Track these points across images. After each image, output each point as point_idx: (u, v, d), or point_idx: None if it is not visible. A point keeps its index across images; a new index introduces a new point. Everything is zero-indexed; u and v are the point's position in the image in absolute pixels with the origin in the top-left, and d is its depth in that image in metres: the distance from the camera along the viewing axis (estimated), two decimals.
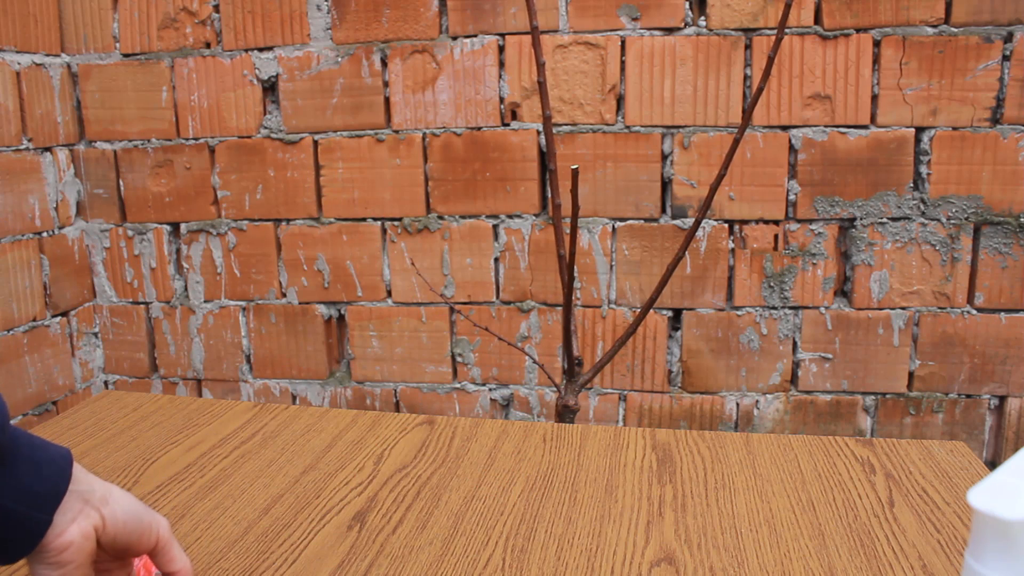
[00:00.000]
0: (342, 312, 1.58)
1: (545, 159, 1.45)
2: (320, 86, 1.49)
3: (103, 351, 1.68)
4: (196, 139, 1.55)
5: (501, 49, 1.43)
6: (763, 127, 1.38)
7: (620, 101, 1.42)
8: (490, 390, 1.55)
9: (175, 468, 0.84)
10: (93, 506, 0.50)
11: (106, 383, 1.69)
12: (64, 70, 1.55)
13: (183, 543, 0.69)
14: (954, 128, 1.34)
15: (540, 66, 1.17)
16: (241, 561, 0.67)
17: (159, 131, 1.56)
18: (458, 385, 1.56)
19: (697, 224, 1.23)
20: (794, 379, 1.46)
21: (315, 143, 1.51)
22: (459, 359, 1.55)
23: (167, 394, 1.29)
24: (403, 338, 1.56)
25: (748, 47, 1.36)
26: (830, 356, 1.44)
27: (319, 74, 1.49)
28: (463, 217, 1.50)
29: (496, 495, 0.77)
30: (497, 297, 1.52)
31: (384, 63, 1.47)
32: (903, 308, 1.40)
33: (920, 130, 1.35)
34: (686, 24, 1.37)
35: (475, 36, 1.43)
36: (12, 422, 0.51)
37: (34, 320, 1.50)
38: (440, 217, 1.50)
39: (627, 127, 1.42)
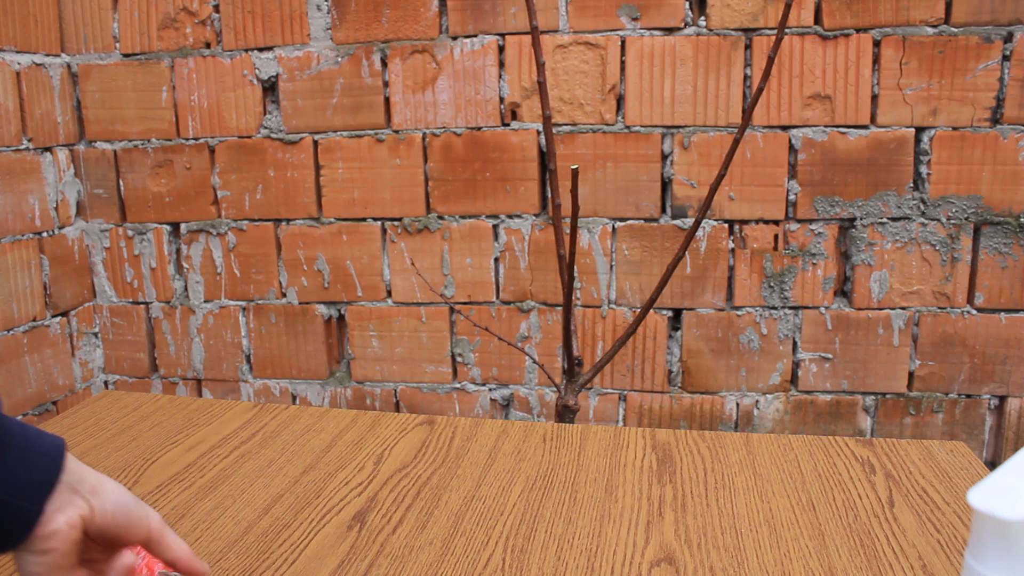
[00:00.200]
0: (342, 312, 1.58)
1: (545, 159, 1.45)
2: (320, 86, 1.49)
3: (103, 351, 1.68)
4: (196, 139, 1.55)
5: (501, 49, 1.43)
6: (763, 127, 1.38)
7: (620, 101, 1.42)
8: (490, 390, 1.55)
9: (175, 468, 0.84)
10: (82, 496, 0.50)
11: (106, 383, 1.69)
12: (64, 70, 1.55)
13: None
14: (954, 128, 1.34)
15: (540, 66, 1.17)
16: (241, 561, 0.67)
17: (159, 131, 1.56)
18: (458, 385, 1.56)
19: (697, 224, 1.23)
20: (794, 379, 1.46)
21: (315, 143, 1.51)
22: (459, 359, 1.55)
23: (167, 394, 1.29)
24: (403, 338, 1.56)
25: (748, 47, 1.36)
26: (830, 356, 1.44)
27: (319, 74, 1.49)
28: (463, 217, 1.50)
29: (496, 495, 0.77)
30: (497, 297, 1.52)
31: (384, 63, 1.47)
32: (903, 308, 1.40)
33: (920, 130, 1.35)
34: (686, 24, 1.37)
35: (475, 36, 1.43)
36: None
37: (34, 320, 1.50)
38: (440, 217, 1.50)
39: (627, 127, 1.42)
